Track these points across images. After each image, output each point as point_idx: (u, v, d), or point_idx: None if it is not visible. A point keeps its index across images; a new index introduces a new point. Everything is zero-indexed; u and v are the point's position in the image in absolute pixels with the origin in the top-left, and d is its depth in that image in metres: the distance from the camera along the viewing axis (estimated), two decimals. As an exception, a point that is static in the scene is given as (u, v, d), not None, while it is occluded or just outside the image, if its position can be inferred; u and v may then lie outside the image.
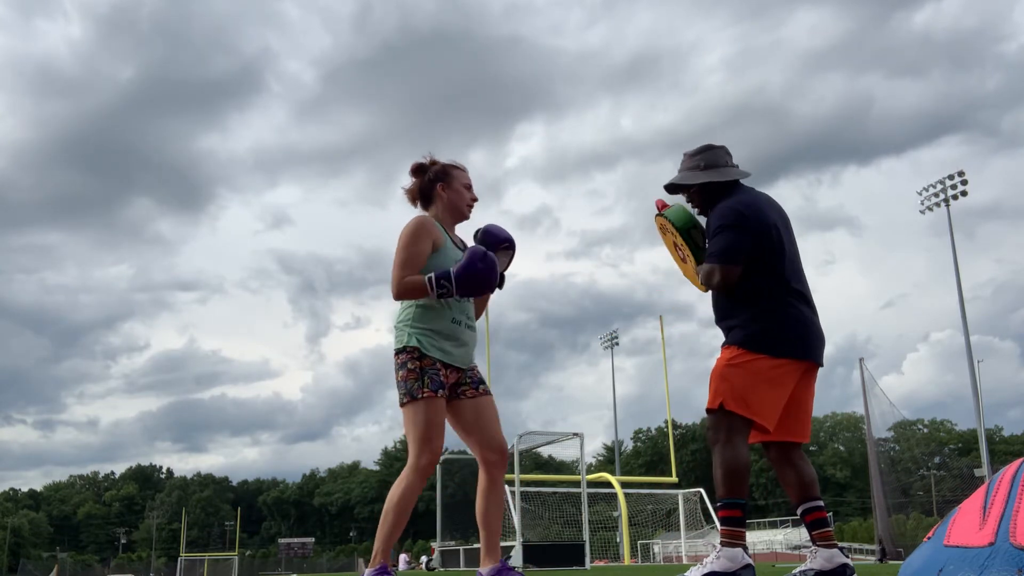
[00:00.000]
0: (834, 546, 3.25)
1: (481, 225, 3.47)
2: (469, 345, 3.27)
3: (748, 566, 3.07)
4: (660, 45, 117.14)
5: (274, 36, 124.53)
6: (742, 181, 3.48)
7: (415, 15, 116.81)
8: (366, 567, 3.15)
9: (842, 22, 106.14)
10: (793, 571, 3.32)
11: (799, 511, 3.35)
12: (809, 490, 3.31)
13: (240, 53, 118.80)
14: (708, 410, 3.27)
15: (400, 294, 3.13)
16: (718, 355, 3.40)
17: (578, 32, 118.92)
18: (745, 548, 3.11)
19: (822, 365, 3.37)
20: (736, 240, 3.24)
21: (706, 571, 3.03)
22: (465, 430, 3.24)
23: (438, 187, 3.33)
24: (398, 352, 3.17)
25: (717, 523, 3.26)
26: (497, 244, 3.35)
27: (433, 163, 3.38)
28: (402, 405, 3.12)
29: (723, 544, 3.08)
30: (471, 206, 3.39)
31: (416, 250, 3.15)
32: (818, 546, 3.25)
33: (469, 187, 3.38)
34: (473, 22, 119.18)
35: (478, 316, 3.41)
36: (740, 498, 3.10)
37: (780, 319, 3.25)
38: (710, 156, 3.46)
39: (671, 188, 3.58)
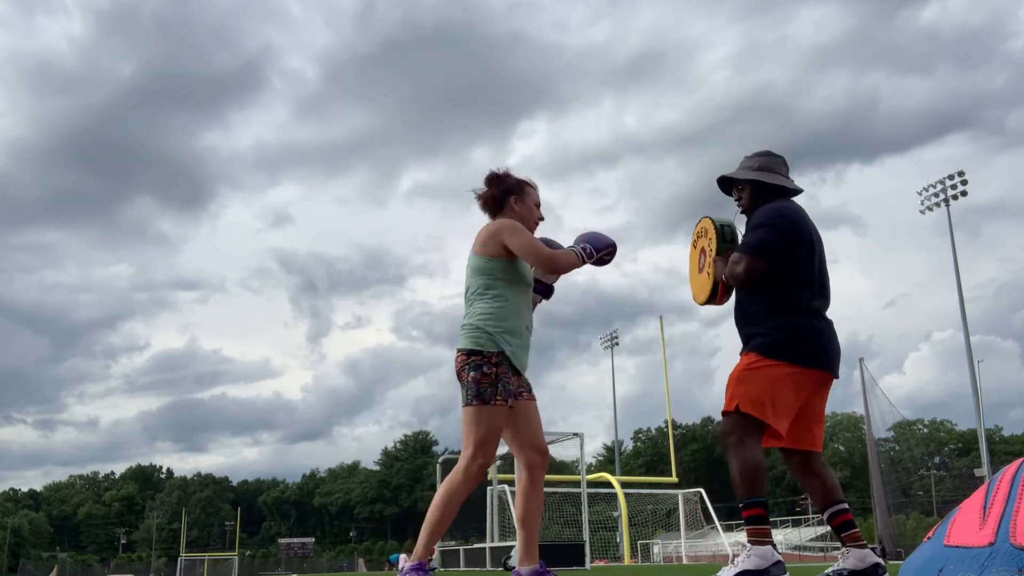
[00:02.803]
0: (864, 546, 3.32)
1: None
2: (529, 351, 3.35)
3: (779, 562, 3.13)
4: (664, 41, 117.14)
5: (276, 32, 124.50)
6: (794, 199, 3.57)
7: (418, 11, 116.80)
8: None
9: (848, 18, 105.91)
10: (826, 571, 3.38)
11: (825, 516, 3.43)
12: (833, 495, 3.40)
13: (242, 49, 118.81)
14: (723, 412, 3.33)
15: (556, 266, 3.32)
16: (734, 359, 3.46)
17: (581, 28, 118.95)
18: (773, 544, 3.16)
19: (838, 377, 3.43)
20: (769, 238, 3.32)
21: (738, 570, 3.07)
22: (513, 431, 3.30)
23: (512, 199, 3.44)
24: (472, 353, 3.17)
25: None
26: (608, 245, 3.47)
27: (508, 175, 3.48)
28: (467, 405, 3.13)
29: (752, 543, 3.13)
30: (538, 224, 3.49)
31: (532, 234, 3.35)
32: (849, 547, 3.32)
33: (539, 206, 3.50)
34: (476, 18, 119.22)
35: None
36: (760, 496, 3.16)
37: (801, 329, 3.31)
38: (766, 160, 3.58)
39: (722, 180, 3.67)
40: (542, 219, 3.50)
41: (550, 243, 3.43)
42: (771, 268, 3.32)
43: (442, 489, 3.17)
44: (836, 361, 3.42)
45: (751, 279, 3.34)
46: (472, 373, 3.13)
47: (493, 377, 3.12)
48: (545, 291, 3.52)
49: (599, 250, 3.37)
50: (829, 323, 3.43)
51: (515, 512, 3.33)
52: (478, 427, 3.10)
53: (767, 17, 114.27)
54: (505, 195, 3.44)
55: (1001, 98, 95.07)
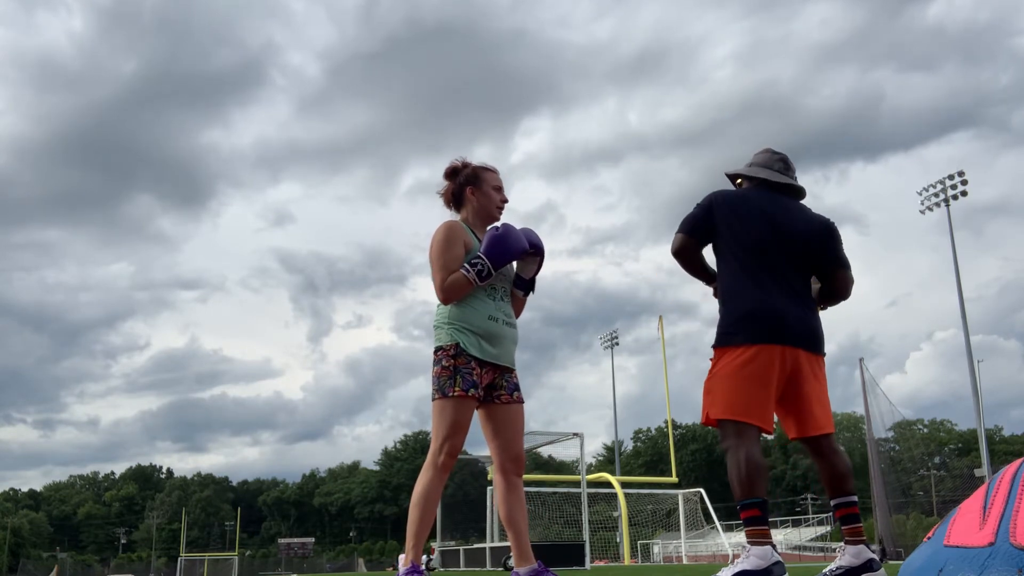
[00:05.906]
0: (861, 542, 3.28)
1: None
2: (509, 343, 3.34)
3: (778, 562, 3.09)
4: (668, 38, 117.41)
5: (278, 29, 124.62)
6: (794, 196, 3.52)
7: (421, 8, 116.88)
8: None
9: (854, 15, 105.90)
10: (824, 570, 3.36)
11: (832, 505, 3.40)
12: (839, 484, 3.33)
13: (243, 46, 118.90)
14: (704, 424, 3.32)
15: (447, 295, 3.23)
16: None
17: (585, 25, 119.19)
18: (773, 545, 3.12)
19: (815, 352, 3.31)
20: (693, 213, 3.42)
21: (737, 570, 3.05)
22: (491, 433, 3.33)
23: (467, 191, 3.44)
24: (436, 350, 3.26)
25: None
26: (522, 251, 3.37)
27: (465, 166, 3.47)
28: (432, 400, 3.22)
29: (751, 543, 3.10)
30: (501, 208, 3.47)
31: (452, 254, 3.25)
32: (846, 542, 3.29)
33: (499, 189, 3.48)
34: (479, 15, 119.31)
35: (516, 315, 3.47)
36: (757, 497, 3.12)
37: (744, 308, 3.26)
38: (762, 157, 3.59)
39: (729, 176, 3.74)
40: (505, 201, 3.48)
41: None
42: (699, 243, 3.42)
43: (417, 487, 3.19)
44: (805, 336, 3.27)
45: (676, 251, 3.44)
46: (435, 368, 3.23)
47: (452, 369, 3.18)
48: (524, 286, 3.45)
49: (504, 260, 3.27)
50: (794, 300, 3.28)
51: (499, 515, 3.35)
52: (442, 419, 3.16)
53: (772, 14, 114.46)
54: (461, 188, 3.45)
55: (1006, 96, 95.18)
